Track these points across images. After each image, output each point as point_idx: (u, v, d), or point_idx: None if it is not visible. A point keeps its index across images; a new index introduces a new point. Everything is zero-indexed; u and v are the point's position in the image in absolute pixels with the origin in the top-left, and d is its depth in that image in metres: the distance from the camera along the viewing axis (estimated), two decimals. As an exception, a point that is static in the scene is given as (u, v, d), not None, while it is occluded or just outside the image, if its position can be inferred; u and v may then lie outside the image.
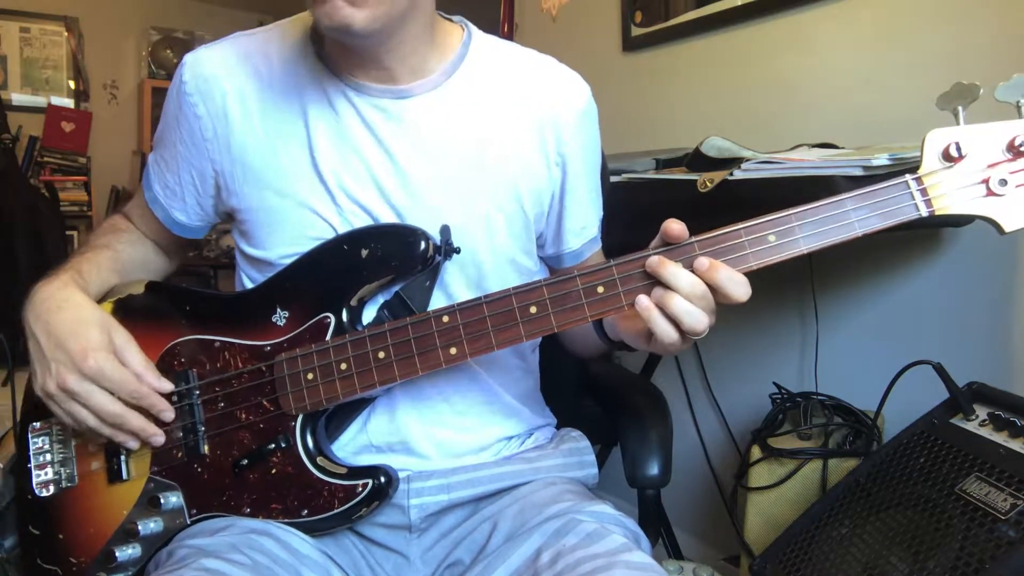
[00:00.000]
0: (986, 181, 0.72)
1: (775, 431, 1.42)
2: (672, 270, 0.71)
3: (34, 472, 0.88)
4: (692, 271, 0.71)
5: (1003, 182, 0.71)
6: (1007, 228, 0.72)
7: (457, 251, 0.86)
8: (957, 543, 0.92)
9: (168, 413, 0.84)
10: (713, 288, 0.71)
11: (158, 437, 0.84)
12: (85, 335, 0.81)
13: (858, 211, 0.72)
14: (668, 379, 1.96)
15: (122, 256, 0.96)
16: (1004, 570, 0.85)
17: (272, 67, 0.88)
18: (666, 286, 0.71)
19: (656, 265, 0.72)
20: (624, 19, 2.14)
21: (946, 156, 0.72)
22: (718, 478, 1.87)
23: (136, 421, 0.83)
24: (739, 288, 0.71)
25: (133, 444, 0.84)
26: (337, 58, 0.86)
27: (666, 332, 0.72)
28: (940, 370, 1.12)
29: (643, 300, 0.72)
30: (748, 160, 1.24)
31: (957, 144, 0.71)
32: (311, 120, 0.86)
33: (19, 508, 0.91)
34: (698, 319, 0.71)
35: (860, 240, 0.72)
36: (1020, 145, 0.71)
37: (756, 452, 1.38)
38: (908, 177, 0.72)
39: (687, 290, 0.70)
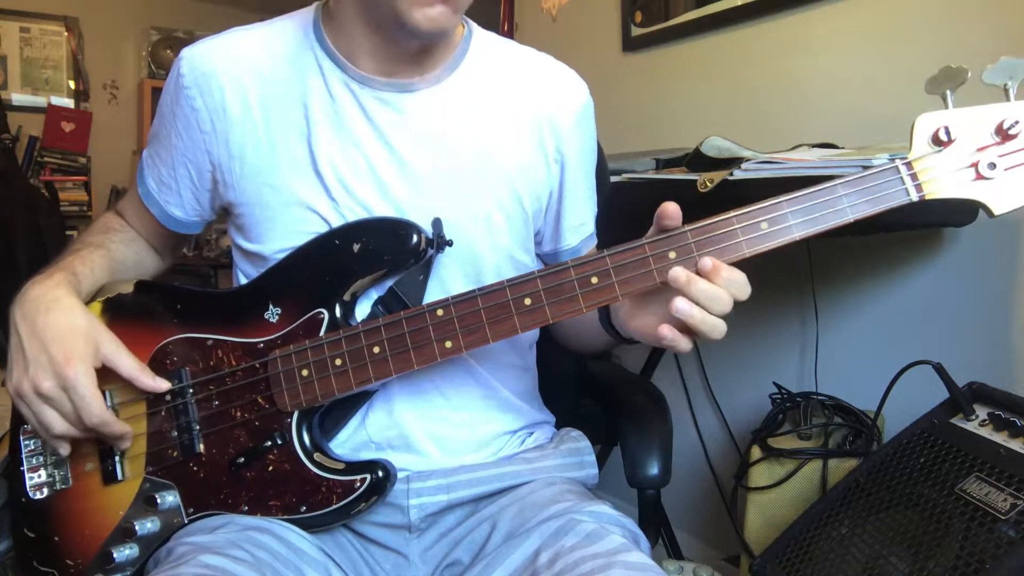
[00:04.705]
0: (975, 165, 0.72)
1: (775, 431, 1.41)
2: (706, 290, 0.70)
3: (27, 475, 0.88)
4: (696, 272, 0.71)
5: (992, 165, 0.71)
6: (996, 211, 0.73)
7: (449, 243, 0.85)
8: (957, 543, 0.91)
9: (125, 443, 0.83)
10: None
11: (124, 442, 0.84)
12: (70, 342, 0.79)
13: (850, 197, 0.72)
14: (668, 379, 1.96)
15: (115, 256, 0.95)
16: (1004, 570, 0.85)
17: (273, 60, 0.87)
18: (692, 299, 0.71)
19: (685, 283, 0.71)
20: (624, 19, 2.14)
21: (935, 140, 0.72)
22: (718, 478, 1.87)
23: (104, 431, 0.82)
24: (744, 289, 0.72)
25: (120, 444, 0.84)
26: (345, 50, 0.86)
27: (682, 343, 0.73)
28: (940, 370, 1.11)
29: (664, 330, 0.72)
30: (748, 160, 1.24)
31: (946, 128, 0.71)
32: (311, 111, 0.86)
33: (13, 511, 0.90)
34: (719, 329, 0.71)
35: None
36: (1008, 128, 0.71)
37: (756, 452, 1.37)
38: (899, 162, 0.72)
39: (718, 308, 0.71)
